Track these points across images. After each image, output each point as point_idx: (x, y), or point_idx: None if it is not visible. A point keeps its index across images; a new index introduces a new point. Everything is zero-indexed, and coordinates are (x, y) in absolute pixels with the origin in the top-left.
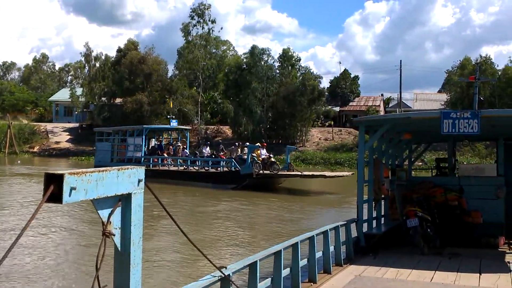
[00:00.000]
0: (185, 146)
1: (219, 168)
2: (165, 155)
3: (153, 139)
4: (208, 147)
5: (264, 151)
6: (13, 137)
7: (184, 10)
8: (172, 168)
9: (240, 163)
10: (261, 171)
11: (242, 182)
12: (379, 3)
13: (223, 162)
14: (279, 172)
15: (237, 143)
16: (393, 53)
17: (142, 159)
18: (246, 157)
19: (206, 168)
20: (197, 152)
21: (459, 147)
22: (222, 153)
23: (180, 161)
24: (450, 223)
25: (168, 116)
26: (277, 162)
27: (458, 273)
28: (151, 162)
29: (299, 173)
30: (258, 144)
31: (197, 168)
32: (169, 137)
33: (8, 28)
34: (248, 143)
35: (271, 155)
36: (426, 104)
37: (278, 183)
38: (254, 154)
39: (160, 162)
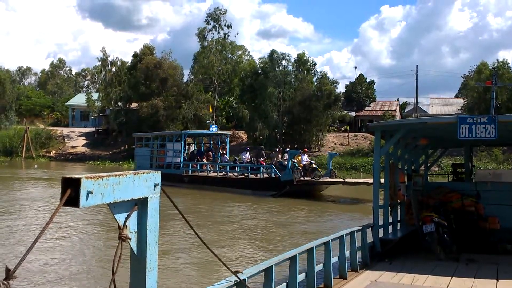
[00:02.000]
0: (224, 152)
1: (258, 175)
2: (205, 160)
3: (193, 145)
4: (248, 152)
5: (305, 157)
6: (30, 141)
7: (199, 15)
8: (211, 174)
9: (280, 169)
10: (302, 178)
11: (282, 189)
12: (395, 8)
13: (263, 168)
14: (321, 179)
15: (278, 149)
16: (409, 58)
17: (181, 164)
18: (286, 163)
19: (246, 175)
20: (237, 158)
21: (476, 152)
22: (262, 159)
23: (219, 167)
24: (466, 229)
25: (208, 121)
26: (319, 169)
27: (475, 279)
28: (190, 168)
29: (341, 180)
30: (299, 150)
31: (236, 174)
32: (209, 142)
33: (25, 34)
34: (288, 149)
35: (312, 161)
36: (442, 109)
37: (319, 190)
38: (295, 160)
39: (199, 168)
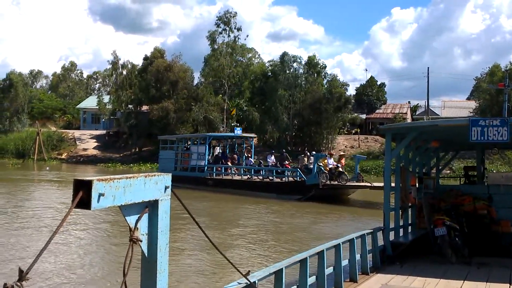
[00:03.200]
0: (249, 155)
1: (284, 178)
2: (229, 164)
3: (218, 147)
4: (272, 155)
5: (331, 161)
6: (42, 144)
7: (209, 18)
8: (236, 177)
9: (306, 173)
10: (328, 182)
11: (308, 193)
12: (407, 10)
13: (288, 171)
14: (348, 183)
15: (305, 151)
16: (421, 60)
17: (205, 167)
18: (312, 166)
19: (271, 178)
20: (261, 161)
21: (488, 155)
22: (287, 162)
23: (244, 170)
24: (478, 232)
25: (233, 124)
26: (346, 172)
27: (488, 283)
28: (214, 171)
29: (369, 184)
30: (325, 153)
31: (261, 177)
32: (234, 144)
33: (37, 37)
34: (314, 152)
35: (338, 165)
36: (454, 112)
37: (346, 195)
38: (321, 164)
39: (223, 171)
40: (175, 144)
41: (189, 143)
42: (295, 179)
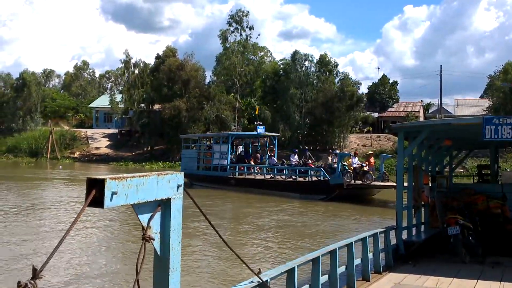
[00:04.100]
0: (273, 154)
1: (307, 178)
2: (252, 163)
3: (240, 146)
4: (296, 155)
5: (356, 160)
6: (54, 143)
7: (220, 16)
8: (259, 177)
9: (330, 172)
10: (352, 181)
11: (332, 192)
12: (420, 8)
13: (312, 171)
14: (373, 183)
15: (330, 150)
16: (433, 58)
17: (228, 167)
18: (336, 166)
19: (294, 177)
20: (285, 160)
21: (502, 154)
22: (310, 161)
23: (267, 169)
24: (492, 231)
25: (255, 123)
26: (370, 172)
27: (502, 282)
28: (237, 170)
29: (394, 184)
30: (350, 152)
31: (284, 177)
32: (257, 143)
33: (50, 37)
34: (337, 151)
35: (363, 164)
36: (467, 110)
37: (371, 194)
38: (345, 163)
39: (246, 171)
40: (197, 143)
41: (211, 142)
42: (319, 178)
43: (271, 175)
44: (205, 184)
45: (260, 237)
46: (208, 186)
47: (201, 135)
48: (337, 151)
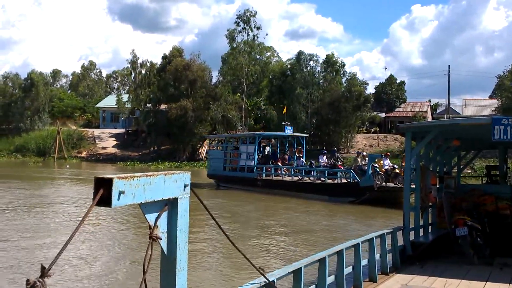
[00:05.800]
0: (301, 155)
1: (336, 180)
2: (279, 164)
3: (268, 147)
4: (324, 156)
5: (387, 161)
6: (62, 142)
7: (227, 16)
8: (286, 178)
9: (360, 174)
10: (383, 184)
11: (362, 195)
12: (427, 7)
13: (341, 172)
14: None
15: (358, 151)
16: (441, 58)
17: (255, 168)
18: (366, 167)
19: (322, 179)
20: (313, 162)
21: (511, 154)
22: (339, 163)
23: (294, 170)
24: (501, 232)
25: (283, 123)
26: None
27: (511, 284)
28: (263, 171)
29: None
30: (381, 153)
31: (312, 178)
32: (285, 144)
33: (57, 37)
34: (367, 152)
35: (395, 166)
36: (476, 110)
37: (403, 197)
38: (376, 165)
39: (273, 172)
40: (224, 144)
41: (238, 142)
42: (348, 180)
43: (299, 176)
44: (231, 185)
45: (280, 240)
46: (234, 187)
47: (227, 135)
48: (364, 152)
